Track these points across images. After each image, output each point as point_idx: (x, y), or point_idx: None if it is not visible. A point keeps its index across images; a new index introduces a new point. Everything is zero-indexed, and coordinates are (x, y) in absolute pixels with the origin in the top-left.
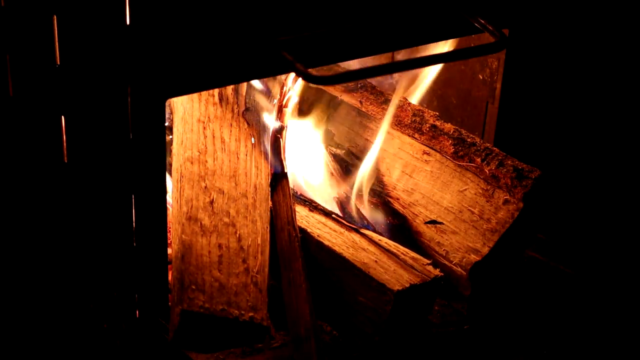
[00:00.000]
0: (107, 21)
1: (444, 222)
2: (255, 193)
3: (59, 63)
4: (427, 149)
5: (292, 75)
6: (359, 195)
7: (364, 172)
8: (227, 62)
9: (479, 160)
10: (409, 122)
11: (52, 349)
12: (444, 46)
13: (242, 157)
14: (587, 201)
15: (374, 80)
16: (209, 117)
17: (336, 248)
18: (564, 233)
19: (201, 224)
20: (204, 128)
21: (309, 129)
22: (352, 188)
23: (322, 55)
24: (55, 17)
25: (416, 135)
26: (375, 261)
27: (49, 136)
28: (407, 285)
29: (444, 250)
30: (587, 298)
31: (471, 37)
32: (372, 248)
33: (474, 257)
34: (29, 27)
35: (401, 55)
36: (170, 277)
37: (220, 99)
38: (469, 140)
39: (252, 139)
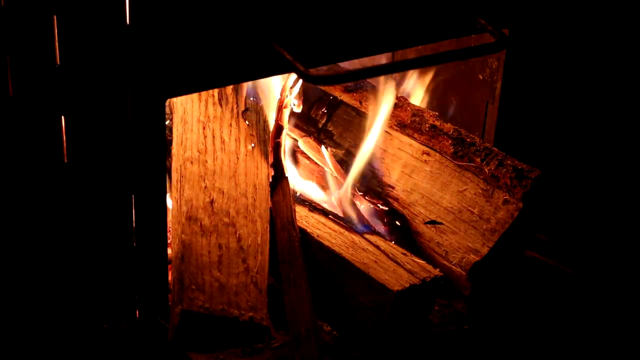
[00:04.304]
0: (107, 21)
1: (444, 222)
2: (255, 193)
3: (59, 63)
4: (426, 149)
5: (292, 75)
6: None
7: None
8: (227, 62)
9: (478, 160)
10: (409, 122)
11: (53, 349)
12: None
13: (242, 157)
14: (587, 201)
15: (373, 80)
16: (208, 117)
17: (336, 248)
18: (564, 233)
19: (201, 224)
20: (204, 128)
21: (308, 128)
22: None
23: (322, 55)
24: (55, 17)
25: (416, 135)
26: (375, 261)
27: (49, 136)
28: (407, 285)
29: (443, 250)
30: (587, 298)
31: (471, 37)
32: (371, 248)
33: (473, 257)
34: (29, 27)
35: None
36: (170, 277)
37: (220, 99)
38: (468, 140)
39: (252, 139)
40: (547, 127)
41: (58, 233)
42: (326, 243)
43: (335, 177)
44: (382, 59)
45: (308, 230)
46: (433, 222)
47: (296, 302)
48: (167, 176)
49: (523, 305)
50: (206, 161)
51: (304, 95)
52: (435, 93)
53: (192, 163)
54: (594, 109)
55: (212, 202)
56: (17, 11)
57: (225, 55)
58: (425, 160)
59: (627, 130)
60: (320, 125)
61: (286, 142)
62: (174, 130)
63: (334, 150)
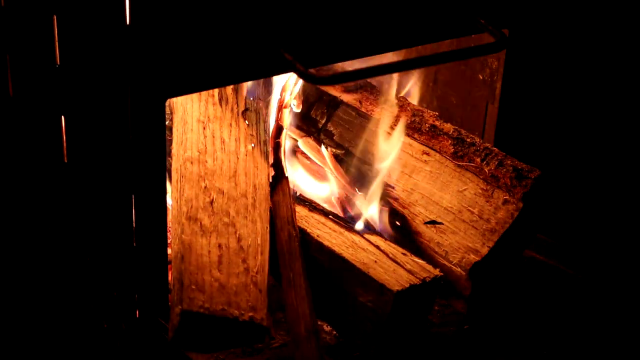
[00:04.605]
0: (107, 21)
1: (444, 222)
2: (255, 193)
3: (59, 63)
4: (426, 149)
5: (293, 75)
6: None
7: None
8: (227, 62)
9: (478, 160)
10: (409, 122)
11: (53, 349)
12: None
13: (242, 157)
14: (587, 201)
15: (374, 80)
16: (208, 117)
17: (336, 248)
18: (564, 233)
19: (201, 224)
20: (204, 128)
21: (308, 128)
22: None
23: (322, 55)
24: (55, 17)
25: (416, 135)
26: (375, 261)
27: (49, 136)
28: (407, 285)
29: (443, 250)
30: (587, 298)
31: (471, 37)
32: (371, 248)
33: (473, 257)
34: (29, 27)
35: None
36: (170, 277)
37: (220, 99)
38: (468, 140)
39: (252, 139)
40: (547, 127)
41: (58, 233)
42: (326, 243)
43: (336, 177)
44: (382, 58)
45: (308, 230)
46: (433, 222)
47: (296, 302)
48: (167, 176)
49: (523, 305)
50: (206, 161)
51: (304, 95)
52: (435, 93)
53: (192, 163)
54: (594, 108)
55: (212, 202)
56: (17, 11)
57: (225, 56)
58: (425, 160)
59: (627, 130)
60: (320, 125)
61: (286, 142)
62: (174, 130)
63: (334, 150)
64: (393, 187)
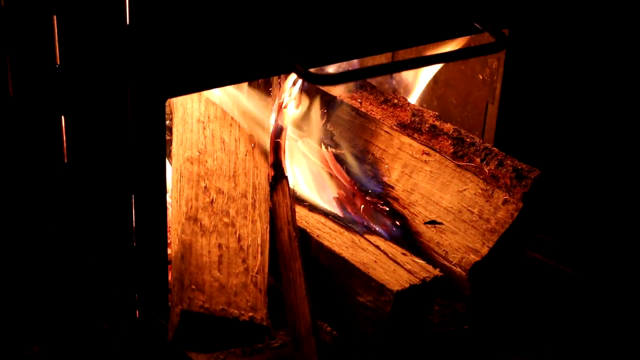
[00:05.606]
0: (107, 21)
1: (444, 222)
2: (255, 193)
3: (59, 63)
4: (426, 149)
5: (292, 75)
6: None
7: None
8: (227, 62)
9: (478, 160)
10: (409, 122)
11: (52, 348)
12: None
13: (242, 157)
14: (587, 201)
15: (374, 80)
16: (208, 117)
17: (335, 248)
18: (564, 233)
19: (201, 224)
20: (204, 128)
21: (308, 128)
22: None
23: (322, 55)
24: (55, 17)
25: (416, 135)
26: (375, 261)
27: (49, 136)
28: (407, 285)
29: (443, 250)
30: (587, 298)
31: (471, 37)
32: (371, 248)
33: (473, 257)
34: (29, 27)
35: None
36: (170, 277)
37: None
38: (468, 140)
39: (252, 139)
40: (547, 127)
41: (58, 233)
42: (326, 243)
43: (336, 177)
44: (382, 59)
45: (308, 230)
46: (433, 222)
47: (296, 302)
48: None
49: (523, 305)
50: (206, 161)
51: (304, 95)
52: (435, 93)
53: (192, 163)
54: (594, 108)
55: (212, 202)
56: (17, 11)
57: (225, 56)
58: (425, 160)
59: (627, 130)
60: (320, 125)
61: (286, 142)
62: (174, 130)
63: (334, 150)
64: (393, 187)
